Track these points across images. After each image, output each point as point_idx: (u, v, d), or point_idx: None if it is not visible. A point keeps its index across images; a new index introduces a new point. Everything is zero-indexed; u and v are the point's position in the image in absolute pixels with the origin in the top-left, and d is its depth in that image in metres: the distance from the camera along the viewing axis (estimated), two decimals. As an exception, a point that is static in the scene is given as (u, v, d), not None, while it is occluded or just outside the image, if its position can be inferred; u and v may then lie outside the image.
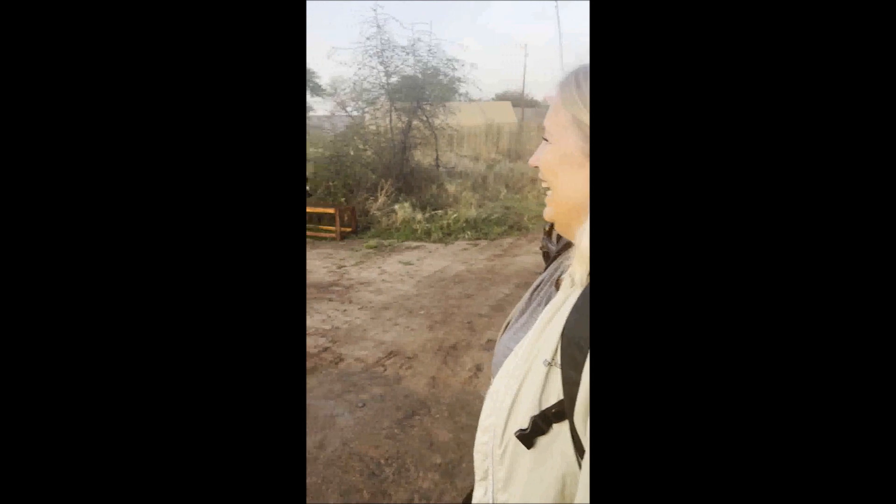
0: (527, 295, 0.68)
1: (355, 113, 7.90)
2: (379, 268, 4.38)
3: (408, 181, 6.97)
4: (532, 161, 0.55)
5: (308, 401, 2.15)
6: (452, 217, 5.95)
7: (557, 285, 0.56)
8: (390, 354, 2.62)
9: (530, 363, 0.49)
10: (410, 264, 4.48)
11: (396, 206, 6.12)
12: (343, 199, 6.35)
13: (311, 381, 2.33)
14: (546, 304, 0.55)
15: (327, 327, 3.00)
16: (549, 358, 0.47)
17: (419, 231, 5.67)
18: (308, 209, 5.85)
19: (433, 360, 2.55)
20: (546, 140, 0.53)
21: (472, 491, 0.70)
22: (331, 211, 5.63)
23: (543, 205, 0.57)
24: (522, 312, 0.64)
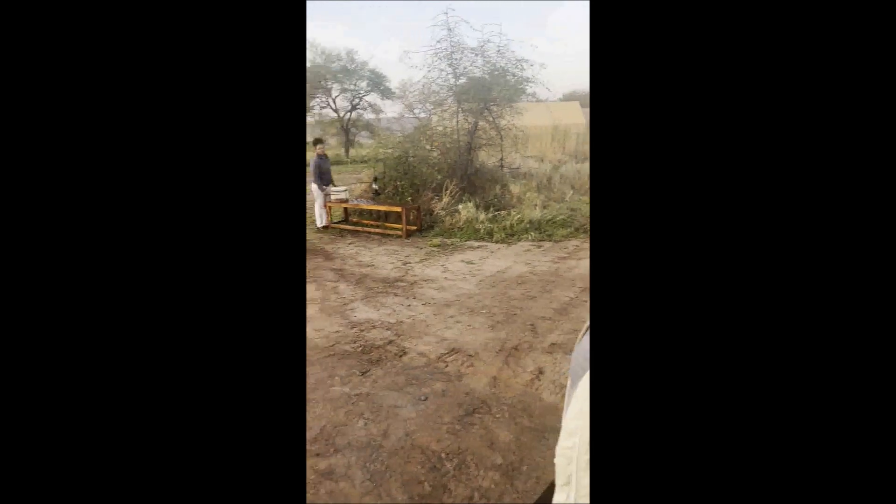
0: None
1: (423, 115, 8.07)
2: (442, 266, 4.43)
3: (472, 181, 6.99)
4: None
5: (373, 390, 2.23)
6: (516, 218, 5.88)
7: None
8: (452, 351, 2.64)
9: None
10: (473, 263, 4.49)
11: (460, 206, 6.16)
12: (409, 199, 6.51)
13: (376, 372, 2.41)
14: None
15: (392, 321, 3.08)
16: None
17: (482, 231, 5.67)
18: (377, 207, 6.06)
19: (494, 360, 2.53)
20: None
21: (545, 494, 0.68)
22: (397, 209, 5.79)
23: None
24: None
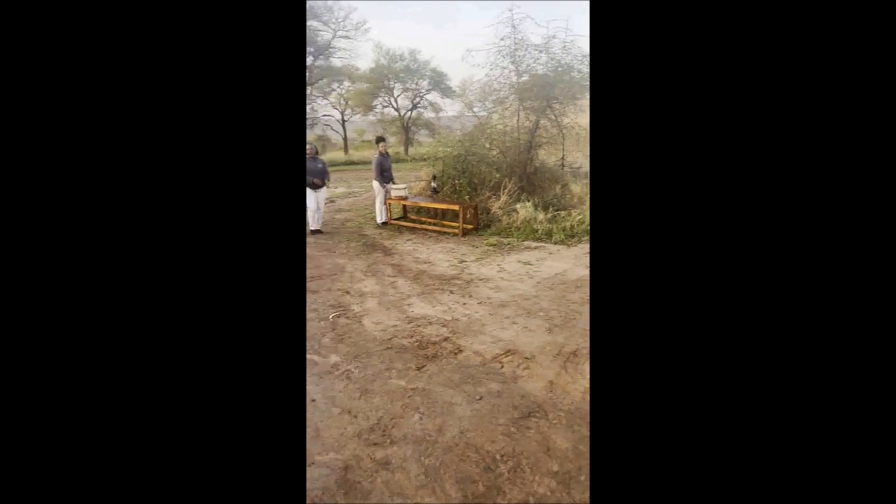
0: None
1: (482, 113, 8.03)
2: (498, 265, 4.40)
3: (531, 180, 6.87)
4: None
5: (428, 386, 2.25)
6: (576, 219, 5.69)
7: None
8: (508, 352, 2.61)
9: None
10: (530, 264, 4.42)
11: (518, 206, 6.08)
12: (467, 197, 6.52)
13: (431, 368, 2.44)
14: None
15: (448, 318, 3.11)
16: None
17: (540, 231, 5.56)
18: (434, 205, 6.13)
19: (552, 364, 2.47)
20: None
21: None
22: (455, 207, 5.82)
23: None
24: None
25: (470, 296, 3.57)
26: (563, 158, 7.83)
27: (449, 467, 1.69)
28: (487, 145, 7.13)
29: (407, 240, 5.63)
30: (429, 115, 22.73)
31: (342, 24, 19.19)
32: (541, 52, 6.87)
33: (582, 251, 4.92)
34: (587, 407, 2.08)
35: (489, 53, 7.08)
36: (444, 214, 6.34)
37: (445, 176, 6.98)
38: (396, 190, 6.31)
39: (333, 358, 2.57)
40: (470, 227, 5.87)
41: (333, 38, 19.34)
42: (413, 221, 6.42)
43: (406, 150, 20.61)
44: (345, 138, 23.69)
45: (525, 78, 7.04)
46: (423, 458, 1.74)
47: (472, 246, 5.22)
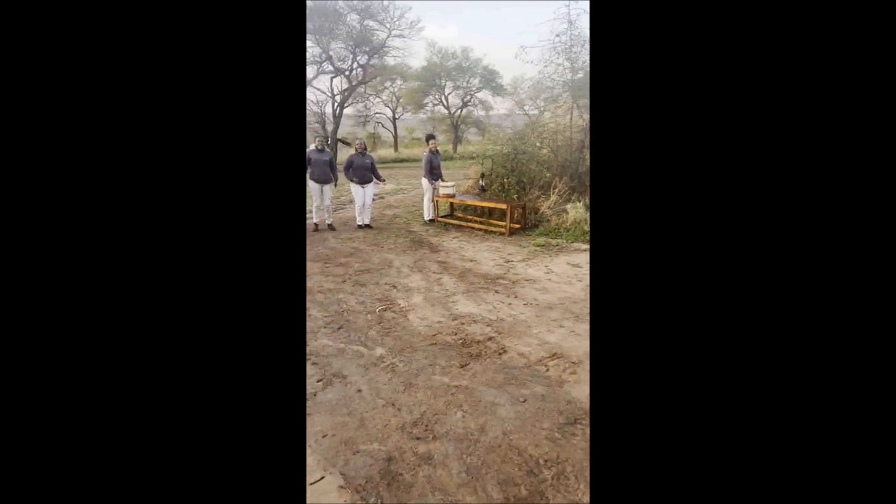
0: None
1: (533, 111, 7.89)
2: (546, 267, 4.31)
3: (583, 181, 6.67)
4: None
5: (471, 384, 2.24)
6: (630, 222, 5.47)
7: None
8: (554, 356, 2.55)
9: None
10: (579, 267, 4.29)
11: (568, 206, 5.92)
12: (515, 196, 6.43)
13: (475, 367, 2.42)
14: None
15: (493, 318, 3.08)
16: None
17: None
18: (481, 203, 6.10)
19: (600, 371, 2.39)
20: None
21: None
22: (502, 206, 5.76)
23: None
24: None
25: (515, 296, 3.52)
26: (617, 158, 7.55)
27: (491, 468, 1.67)
28: (538, 144, 6.99)
29: (453, 237, 5.64)
30: (479, 113, 22.66)
31: (397, 23, 19.50)
32: (598, 48, 6.64)
33: (635, 255, 4.72)
34: (637, 418, 1.99)
35: (543, 50, 6.95)
36: (491, 213, 6.29)
37: (494, 174, 6.92)
38: (444, 187, 6.33)
39: (379, 350, 2.62)
40: (517, 226, 5.79)
41: (388, 37, 19.70)
42: (460, 219, 6.42)
43: (455, 148, 20.66)
44: (395, 136, 24.10)
45: (580, 75, 6.84)
46: (465, 456, 1.73)
47: (519, 246, 5.14)
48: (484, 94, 21.82)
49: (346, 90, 20.27)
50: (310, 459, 1.71)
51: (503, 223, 5.74)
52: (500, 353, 2.58)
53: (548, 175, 6.52)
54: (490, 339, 2.77)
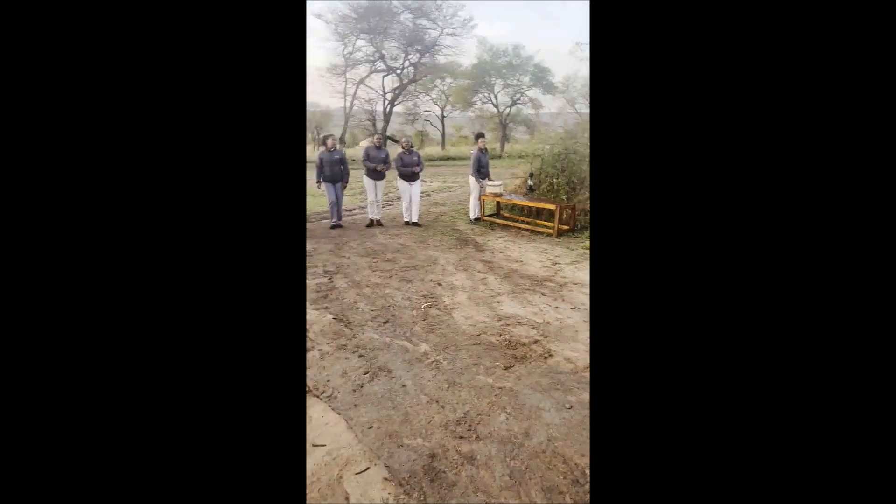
0: None
1: (585, 110, 7.67)
2: (595, 271, 4.18)
3: (636, 183, 6.41)
4: None
5: (515, 387, 2.22)
6: (687, 227, 5.20)
7: None
8: (602, 363, 2.47)
9: None
10: (630, 273, 4.13)
11: (620, 209, 5.71)
12: (565, 197, 6.29)
13: (519, 369, 2.39)
14: None
15: (539, 320, 3.03)
16: None
17: (643, 238, 5.17)
18: (529, 203, 6.01)
19: (652, 383, 2.28)
20: None
21: None
22: (551, 207, 5.65)
23: None
24: None
25: (563, 299, 3.44)
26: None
27: (535, 473, 1.65)
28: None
29: (499, 237, 5.60)
30: (528, 111, 22.32)
31: (449, 21, 19.57)
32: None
33: (691, 263, 4.48)
34: (691, 435, 1.88)
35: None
36: (538, 213, 6.18)
37: (543, 174, 6.80)
38: (492, 186, 6.29)
39: (423, 347, 2.64)
40: (566, 227, 5.66)
41: (440, 35, 19.82)
42: (506, 219, 6.36)
43: (502, 147, 20.48)
44: (443, 134, 24.22)
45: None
46: (508, 459, 1.72)
47: (568, 248, 5.02)
48: (534, 92, 21.47)
49: (396, 88, 20.60)
50: (356, 449, 1.76)
51: (551, 224, 5.63)
52: (545, 357, 2.53)
53: (599, 176, 6.32)
54: (535, 342, 2.72)
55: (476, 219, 6.45)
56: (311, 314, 3.12)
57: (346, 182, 6.10)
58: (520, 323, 2.99)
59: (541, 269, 4.25)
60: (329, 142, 6.00)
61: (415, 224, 6.24)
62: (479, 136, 6.52)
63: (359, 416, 1.98)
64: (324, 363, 2.45)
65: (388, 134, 20.28)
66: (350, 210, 7.44)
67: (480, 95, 22.43)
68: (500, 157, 17.49)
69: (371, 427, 1.90)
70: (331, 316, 3.09)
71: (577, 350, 2.62)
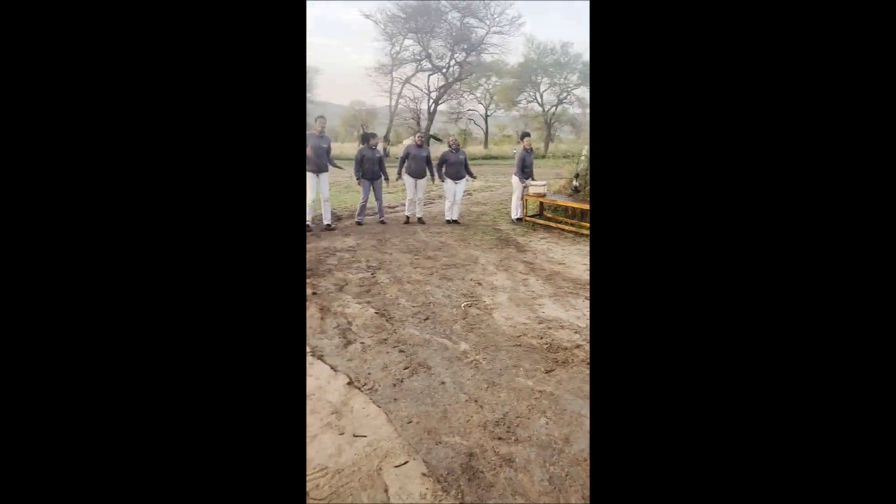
0: None
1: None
2: (642, 276, 4.03)
3: (689, 186, 6.12)
4: None
5: (556, 391, 2.17)
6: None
7: None
8: (648, 373, 2.38)
9: None
10: (680, 280, 3.95)
11: (671, 213, 5.47)
12: (610, 199, 6.09)
13: (561, 374, 2.34)
14: None
15: (581, 325, 2.95)
16: None
17: (695, 244, 4.93)
18: (573, 204, 5.87)
19: (702, 396, 2.17)
20: None
21: None
22: (596, 209, 5.49)
23: None
24: None
25: (607, 304, 3.33)
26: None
27: (576, 481, 1.61)
28: (640, 144, 6.55)
29: (541, 238, 5.51)
30: (574, 110, 21.82)
31: (497, 19, 19.44)
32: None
33: (748, 272, 4.22)
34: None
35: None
36: (583, 215, 6.03)
37: (588, 175, 6.62)
38: (536, 186, 6.20)
39: (463, 345, 2.64)
40: (611, 231, 5.49)
41: (487, 33, 19.72)
42: (549, 220, 6.25)
43: (546, 147, 20.13)
44: (486, 133, 24.12)
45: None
46: (548, 464, 1.68)
47: (613, 252, 4.87)
48: (581, 91, 20.96)
49: (441, 87, 20.70)
50: (395, 442, 1.78)
51: (596, 227, 5.48)
52: (587, 363, 2.46)
53: (649, 178, 6.08)
54: (578, 346, 2.66)
55: (518, 219, 6.38)
56: (354, 307, 3.20)
57: (388, 179, 6.17)
58: (562, 326, 2.93)
59: (584, 272, 4.15)
60: (372, 140, 6.04)
61: (455, 223, 6.25)
62: (525, 135, 6.44)
63: (398, 410, 2.00)
64: (365, 356, 2.50)
65: (431, 133, 20.42)
66: (393, 207, 7.55)
67: (525, 94, 22.16)
68: (544, 156, 17.22)
69: (410, 422, 1.92)
70: (373, 310, 3.15)
71: (621, 357, 2.54)
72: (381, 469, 1.64)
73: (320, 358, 2.46)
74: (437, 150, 7.43)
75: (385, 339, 2.70)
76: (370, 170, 5.88)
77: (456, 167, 6.09)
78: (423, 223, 6.26)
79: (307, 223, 5.58)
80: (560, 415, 1.99)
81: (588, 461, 1.71)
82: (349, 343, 2.65)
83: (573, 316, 3.11)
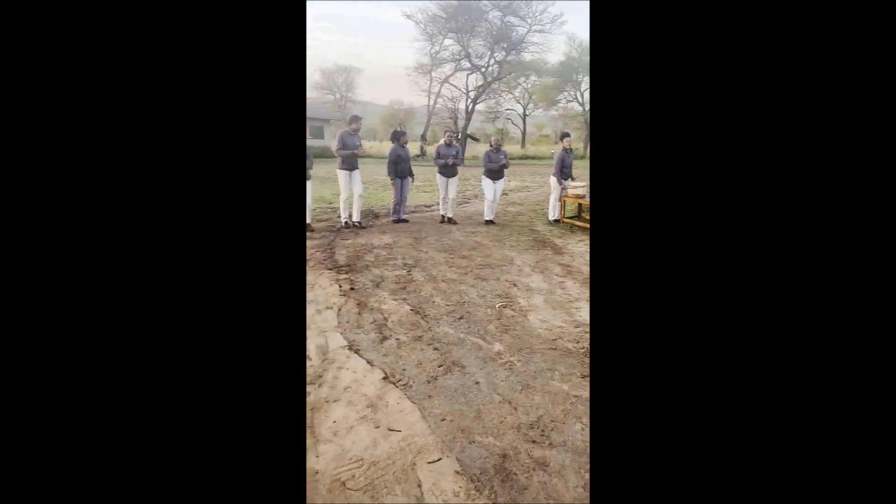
0: None
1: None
2: (685, 283, 3.88)
3: (739, 190, 5.83)
4: None
5: (583, 392, 2.13)
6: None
7: None
8: (690, 383, 2.29)
9: None
10: (727, 288, 3.77)
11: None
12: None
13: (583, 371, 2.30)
14: None
15: (620, 331, 2.88)
16: None
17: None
18: (613, 207, 5.72)
19: (749, 411, 2.07)
20: None
21: None
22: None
23: None
24: None
25: (647, 311, 3.23)
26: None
27: (611, 490, 1.57)
28: (687, 146, 6.30)
29: (579, 240, 5.41)
30: (616, 110, 21.24)
31: (538, 18, 19.18)
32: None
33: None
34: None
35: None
36: (623, 218, 5.87)
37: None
38: (575, 188, 6.09)
39: (497, 346, 2.64)
40: (653, 235, 5.31)
41: (528, 32, 19.50)
42: (587, 222, 6.12)
43: (586, 147, 19.71)
44: (523, 132, 23.88)
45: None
46: (582, 470, 1.66)
47: (654, 256, 4.71)
48: (624, 91, 20.35)
49: (480, 87, 20.64)
50: (429, 439, 1.80)
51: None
52: (626, 370, 2.40)
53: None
54: (616, 353, 2.59)
55: (555, 220, 6.28)
56: (390, 304, 3.25)
57: (413, 177, 6.19)
58: (582, 326, 2.86)
59: (623, 276, 4.04)
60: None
61: (490, 223, 6.23)
62: (565, 135, 6.33)
63: (432, 407, 2.02)
64: (401, 352, 2.54)
65: (469, 132, 20.40)
66: (428, 206, 7.61)
67: (566, 94, 21.75)
68: (583, 157, 16.85)
69: (444, 420, 1.93)
70: (408, 307, 3.19)
71: (662, 366, 2.45)
72: (414, 464, 1.67)
73: (357, 352, 2.52)
74: (473, 150, 7.41)
75: (420, 337, 2.73)
76: (403, 168, 5.95)
77: (495, 163, 6.06)
78: (455, 223, 6.27)
79: (344, 221, 5.71)
80: (584, 412, 1.95)
81: (625, 471, 1.67)
82: (385, 339, 2.70)
83: (611, 321, 3.03)
